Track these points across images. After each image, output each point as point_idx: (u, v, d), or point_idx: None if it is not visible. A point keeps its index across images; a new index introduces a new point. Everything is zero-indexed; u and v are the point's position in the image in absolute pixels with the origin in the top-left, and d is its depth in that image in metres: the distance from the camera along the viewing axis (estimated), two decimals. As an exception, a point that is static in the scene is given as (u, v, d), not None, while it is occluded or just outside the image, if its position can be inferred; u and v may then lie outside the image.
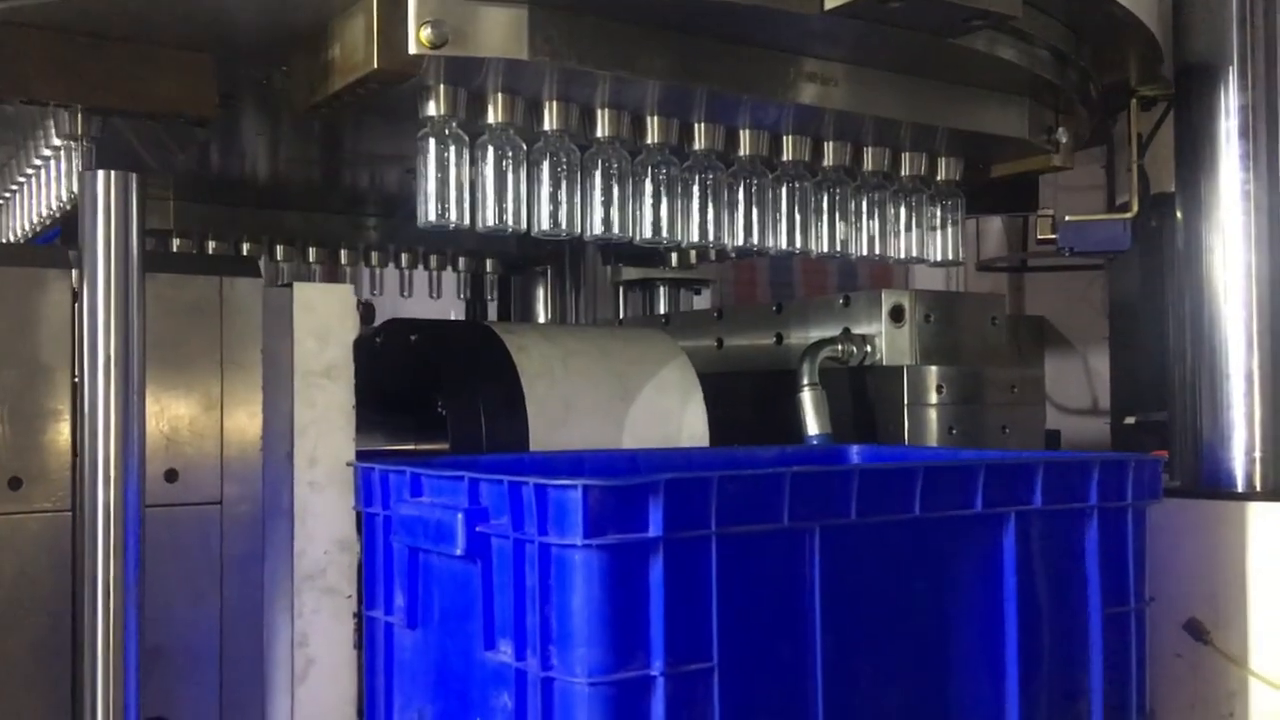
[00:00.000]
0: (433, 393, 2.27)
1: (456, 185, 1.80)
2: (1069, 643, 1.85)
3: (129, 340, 1.67)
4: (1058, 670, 1.84)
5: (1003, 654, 1.78)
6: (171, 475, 1.79)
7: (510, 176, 1.82)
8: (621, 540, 1.44)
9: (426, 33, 1.62)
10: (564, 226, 1.87)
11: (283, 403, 1.90)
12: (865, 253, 2.16)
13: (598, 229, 1.90)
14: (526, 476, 1.49)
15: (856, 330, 2.60)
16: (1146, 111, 2.62)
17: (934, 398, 2.59)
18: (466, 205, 1.82)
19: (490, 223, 1.82)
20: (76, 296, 1.73)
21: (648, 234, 1.94)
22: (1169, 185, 2.63)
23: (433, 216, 1.80)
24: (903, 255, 2.19)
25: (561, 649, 1.46)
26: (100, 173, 1.67)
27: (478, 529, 1.57)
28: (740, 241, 2.03)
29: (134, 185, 1.69)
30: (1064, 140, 2.29)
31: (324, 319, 1.94)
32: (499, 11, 1.65)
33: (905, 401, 2.56)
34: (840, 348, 2.57)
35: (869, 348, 2.58)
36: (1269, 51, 2.40)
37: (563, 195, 1.86)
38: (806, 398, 2.52)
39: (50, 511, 1.70)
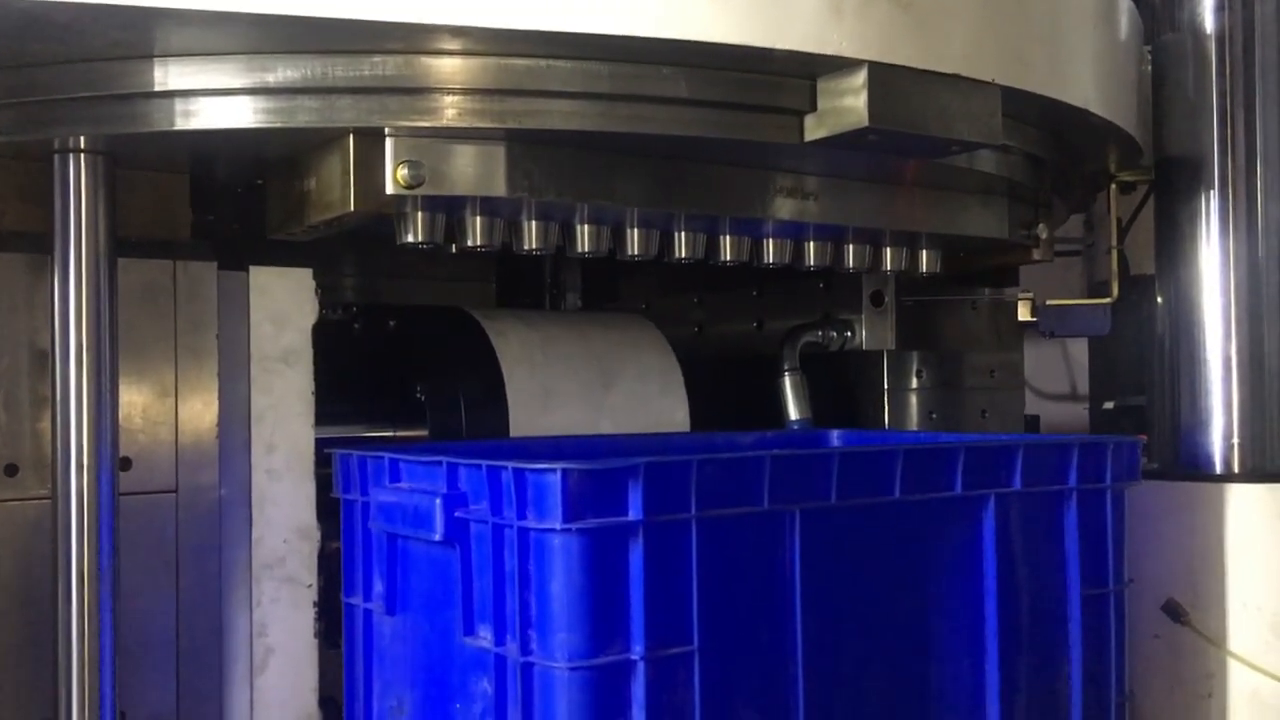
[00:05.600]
0: (412, 379, 2.25)
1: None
2: (1048, 624, 1.86)
3: (101, 325, 1.65)
4: (1037, 651, 1.85)
5: (983, 635, 1.78)
6: (125, 464, 1.75)
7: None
8: (601, 524, 1.43)
9: (404, 173, 1.59)
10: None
11: (239, 389, 1.87)
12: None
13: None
14: (505, 461, 1.48)
15: (837, 315, 2.60)
16: (1126, 195, 2.62)
17: (914, 382, 2.60)
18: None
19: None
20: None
21: None
22: (1146, 252, 2.64)
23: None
24: None
25: (541, 634, 1.45)
26: (72, 157, 1.65)
27: (456, 514, 1.56)
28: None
29: (105, 170, 1.67)
30: (1044, 236, 2.31)
31: (281, 303, 1.91)
32: (476, 149, 1.62)
33: (886, 386, 2.57)
34: (821, 333, 2.57)
35: (849, 333, 2.58)
36: (1249, 145, 2.41)
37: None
38: (787, 383, 2.52)
39: (46, 498, 1.68)
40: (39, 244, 1.70)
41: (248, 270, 1.89)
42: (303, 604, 1.91)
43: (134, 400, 1.78)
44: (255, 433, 1.88)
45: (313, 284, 1.93)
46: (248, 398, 1.88)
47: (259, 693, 1.87)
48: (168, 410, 1.81)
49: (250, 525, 1.88)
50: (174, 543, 1.81)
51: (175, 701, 1.81)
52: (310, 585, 1.91)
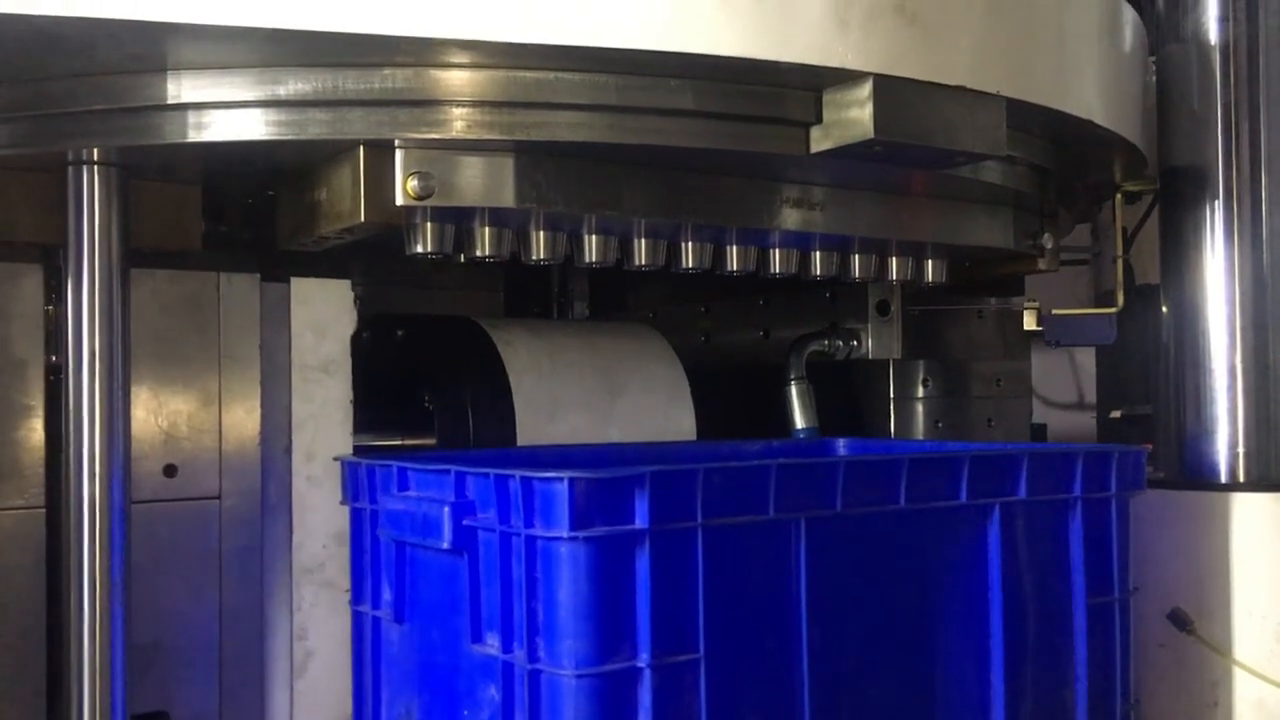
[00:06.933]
0: (420, 388, 2.27)
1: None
2: (1054, 633, 1.86)
3: (114, 336, 1.66)
4: (1043, 660, 1.85)
5: (988, 644, 1.79)
6: (170, 470, 1.80)
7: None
8: (608, 532, 1.44)
9: (413, 184, 1.62)
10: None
11: (280, 397, 1.91)
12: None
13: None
14: (513, 470, 1.50)
15: (843, 324, 2.61)
16: (1131, 205, 2.64)
17: (920, 391, 2.61)
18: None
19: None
20: (53, 291, 1.72)
21: None
22: (1152, 261, 2.66)
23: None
24: None
25: (548, 641, 1.46)
26: (86, 169, 1.67)
27: (464, 522, 1.57)
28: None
29: (118, 182, 1.69)
30: (1049, 245, 2.32)
31: (321, 313, 1.95)
32: (484, 161, 1.65)
33: (891, 395, 2.58)
34: (827, 342, 2.58)
35: (855, 342, 2.59)
36: (1253, 155, 2.42)
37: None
38: (793, 392, 2.53)
39: (22, 508, 1.70)
40: (9, 252, 1.72)
41: (289, 281, 1.93)
42: (341, 609, 1.93)
43: (179, 408, 1.82)
44: (296, 441, 1.92)
45: (351, 294, 1.97)
46: (289, 406, 1.92)
47: (299, 695, 1.91)
48: (212, 419, 1.85)
49: (291, 531, 1.91)
50: (217, 548, 1.85)
51: (218, 703, 1.84)
52: (348, 590, 1.93)
